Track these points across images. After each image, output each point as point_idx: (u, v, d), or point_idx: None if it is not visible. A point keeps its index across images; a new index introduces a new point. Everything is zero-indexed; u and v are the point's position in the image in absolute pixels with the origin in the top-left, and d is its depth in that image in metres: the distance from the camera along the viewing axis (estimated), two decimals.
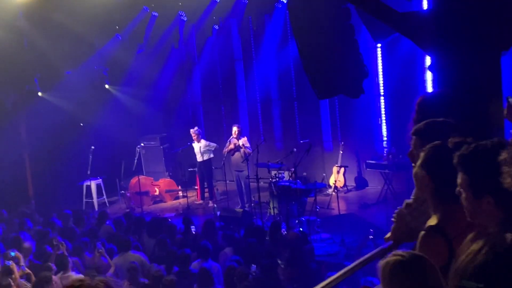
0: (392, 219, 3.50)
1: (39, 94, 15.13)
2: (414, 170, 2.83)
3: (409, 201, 3.49)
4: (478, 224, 2.21)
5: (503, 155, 1.69)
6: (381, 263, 2.34)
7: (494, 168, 2.01)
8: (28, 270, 8.47)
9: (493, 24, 3.59)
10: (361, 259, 3.35)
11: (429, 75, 11.92)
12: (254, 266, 8.26)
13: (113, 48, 15.22)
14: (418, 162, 2.76)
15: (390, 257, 2.32)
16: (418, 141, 3.16)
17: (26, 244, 9.64)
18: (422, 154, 2.69)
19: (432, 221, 2.72)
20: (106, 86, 16.08)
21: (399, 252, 2.37)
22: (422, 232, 2.66)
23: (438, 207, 2.68)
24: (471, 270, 1.25)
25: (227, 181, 14.07)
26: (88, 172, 14.51)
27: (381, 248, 3.42)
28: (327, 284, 3.09)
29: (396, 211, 3.51)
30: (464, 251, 1.33)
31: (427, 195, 2.75)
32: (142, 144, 15.09)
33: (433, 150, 2.65)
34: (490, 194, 2.06)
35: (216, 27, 15.90)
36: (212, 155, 13.98)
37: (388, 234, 3.55)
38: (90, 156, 14.42)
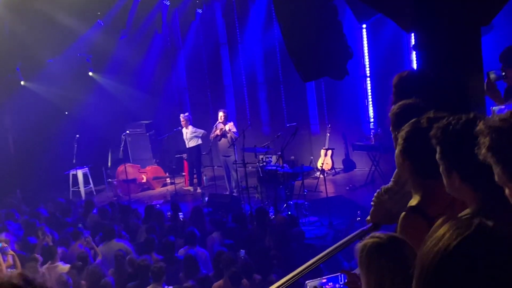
0: (371, 203, 3.47)
1: (22, 83, 14.94)
2: (396, 151, 2.79)
3: (389, 185, 3.45)
4: (460, 201, 2.16)
5: (480, 126, 1.64)
6: (359, 245, 2.30)
7: (465, 143, 1.97)
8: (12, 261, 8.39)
9: (472, 0, 3.54)
10: (341, 241, 3.32)
11: (414, 55, 11.86)
12: (242, 251, 8.25)
13: (96, 34, 15.01)
14: (398, 142, 2.72)
15: (368, 239, 2.29)
16: (394, 124, 3.12)
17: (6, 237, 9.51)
18: (400, 134, 2.65)
19: (413, 201, 2.69)
20: (90, 73, 15.90)
21: (377, 234, 2.33)
22: (403, 213, 2.62)
23: (418, 186, 2.64)
24: (433, 255, 1.20)
25: (215, 167, 14.02)
26: (74, 161, 14.38)
27: (361, 230, 3.39)
28: (308, 267, 3.06)
29: (375, 194, 3.47)
30: (430, 236, 1.27)
31: (407, 175, 2.71)
32: (127, 132, 14.96)
33: (408, 128, 2.60)
34: (457, 169, 2.02)
35: (200, 11, 15.73)
36: (200, 141, 13.90)
37: (369, 217, 3.51)
38: (75, 145, 14.29)
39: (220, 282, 7.25)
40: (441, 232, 1.25)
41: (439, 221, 1.32)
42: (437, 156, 2.06)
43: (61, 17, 13.44)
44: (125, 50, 15.66)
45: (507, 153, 1.63)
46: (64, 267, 8.28)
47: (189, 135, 13.74)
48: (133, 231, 10.00)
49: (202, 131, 13.83)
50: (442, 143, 2.04)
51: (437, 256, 1.21)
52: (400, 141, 2.63)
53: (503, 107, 3.70)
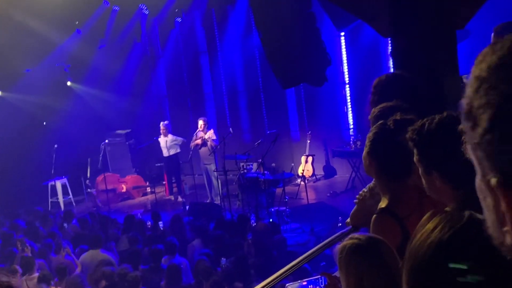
0: (354, 201, 3.47)
1: None
2: (363, 153, 2.80)
3: (372, 184, 3.45)
4: (438, 201, 2.17)
5: (461, 125, 1.65)
6: (338, 247, 2.30)
7: (441, 142, 1.98)
8: None
9: (447, 3, 3.58)
10: (321, 244, 3.31)
11: (392, 62, 11.98)
12: (224, 259, 8.21)
13: (74, 44, 14.92)
14: (365, 144, 2.73)
15: (347, 241, 2.28)
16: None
17: None
18: (367, 135, 2.67)
19: (382, 203, 2.69)
20: (68, 83, 15.78)
21: (356, 235, 2.33)
22: (374, 216, 2.62)
23: (385, 187, 2.66)
24: (426, 248, 1.20)
25: (196, 175, 13.96)
26: (52, 172, 14.21)
27: (341, 233, 3.39)
28: (287, 270, 3.05)
29: (358, 194, 3.47)
30: (420, 230, 1.27)
31: (374, 176, 2.72)
32: (107, 141, 14.84)
33: (375, 131, 2.62)
34: (437, 169, 2.02)
35: (179, 19, 15.73)
36: (179, 150, 13.83)
37: (349, 219, 3.52)
38: (54, 155, 14.14)
39: None
40: (432, 225, 1.24)
41: (427, 215, 1.32)
42: (415, 158, 2.07)
43: (39, 26, 13.34)
44: (104, 59, 15.57)
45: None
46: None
47: (169, 143, 13.66)
48: (113, 241, 9.89)
49: (181, 138, 13.76)
50: (418, 144, 2.05)
51: (430, 248, 1.21)
52: (367, 142, 2.64)
53: None
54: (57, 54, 14.94)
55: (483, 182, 1.01)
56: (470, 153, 1.01)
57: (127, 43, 15.96)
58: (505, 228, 0.99)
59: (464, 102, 0.98)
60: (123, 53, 16.06)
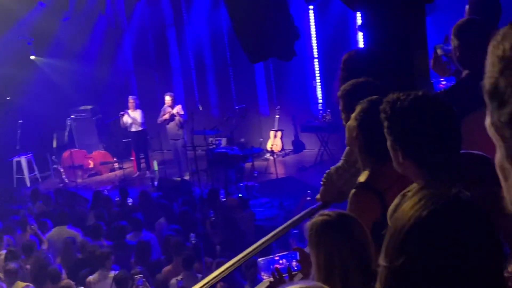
0: (321, 182, 3.47)
1: None
2: (348, 123, 2.79)
3: (339, 164, 3.45)
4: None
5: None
6: (308, 223, 2.29)
7: (411, 119, 2.00)
8: None
9: None
10: (291, 220, 3.31)
11: (361, 36, 11.98)
12: (193, 234, 8.22)
13: (37, 16, 14.48)
14: (353, 114, 2.71)
15: (317, 217, 2.27)
16: (344, 103, 3.11)
17: None
18: (357, 107, 2.65)
19: (362, 177, 2.70)
20: (32, 57, 15.35)
21: (326, 212, 2.32)
22: (353, 190, 2.62)
23: (367, 162, 2.66)
24: (409, 225, 1.19)
25: (164, 151, 13.86)
26: (17, 147, 13.93)
27: (310, 209, 3.39)
28: (258, 246, 3.04)
29: (325, 173, 3.47)
30: (404, 203, 1.26)
31: (356, 149, 2.71)
32: (72, 116, 14.57)
33: (367, 104, 2.61)
34: (402, 145, 2.04)
35: None
36: (145, 126, 13.67)
37: (319, 195, 3.52)
38: (18, 131, 13.84)
39: (170, 266, 7.22)
40: (418, 198, 1.24)
41: (413, 189, 1.32)
42: (385, 130, 2.07)
43: None
44: (69, 33, 15.16)
45: None
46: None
47: (139, 119, 13.47)
48: (81, 217, 9.79)
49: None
50: (389, 118, 2.05)
51: (415, 220, 1.20)
52: (357, 114, 2.62)
53: (442, 79, 3.76)
54: (20, 27, 14.48)
55: (508, 162, 1.01)
56: (493, 133, 1.01)
57: (92, 16, 15.54)
58: None
59: (487, 81, 0.99)
60: (88, 26, 15.65)
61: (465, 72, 3.26)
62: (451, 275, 1.16)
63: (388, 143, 2.09)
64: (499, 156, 1.05)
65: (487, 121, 1.02)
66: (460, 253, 1.16)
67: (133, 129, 13.59)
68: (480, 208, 1.22)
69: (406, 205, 1.25)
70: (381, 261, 1.25)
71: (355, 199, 2.58)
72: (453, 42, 3.28)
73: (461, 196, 1.23)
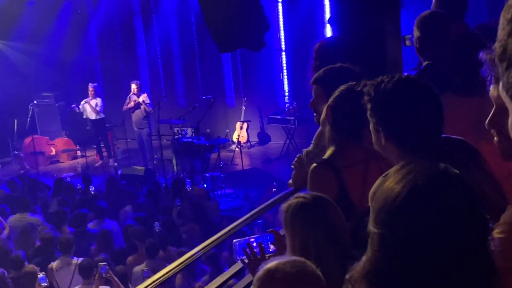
0: (292, 166, 3.49)
1: None
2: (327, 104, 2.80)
3: (309, 148, 3.47)
4: (385, 165, 2.20)
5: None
6: (283, 206, 2.30)
7: (393, 102, 2.04)
8: None
9: None
10: (265, 204, 3.32)
11: (329, 30, 12.06)
12: (157, 223, 8.17)
13: (1, 1, 14.10)
14: (331, 97, 2.74)
15: (292, 200, 2.29)
16: (318, 90, 3.13)
17: None
18: (337, 89, 2.68)
19: (325, 155, 2.72)
20: None
21: (301, 194, 2.34)
22: (313, 165, 2.64)
23: (332, 140, 2.69)
24: (404, 194, 1.22)
25: (128, 140, 13.70)
26: None
27: (284, 193, 3.41)
28: (230, 230, 3.04)
29: (296, 158, 3.49)
30: (386, 181, 1.29)
31: (326, 128, 2.74)
32: (35, 102, 14.26)
33: (343, 88, 2.65)
34: (385, 127, 2.07)
35: None
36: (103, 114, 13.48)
37: (290, 181, 3.54)
38: None
39: (135, 255, 7.17)
40: (407, 171, 1.27)
41: (401, 164, 1.34)
42: (368, 113, 2.10)
43: None
44: (33, 17, 14.82)
45: None
46: None
47: (99, 107, 13.26)
48: (42, 204, 9.61)
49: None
50: (372, 100, 2.08)
51: (409, 189, 1.23)
52: (334, 95, 2.66)
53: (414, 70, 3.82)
54: None
55: None
56: (504, 95, 1.04)
57: (57, 1, 15.24)
58: None
59: (497, 45, 1.01)
60: (53, 11, 15.31)
61: (425, 63, 3.33)
62: (441, 245, 1.20)
63: (371, 126, 2.12)
64: (511, 120, 1.08)
65: (500, 86, 1.06)
66: (449, 224, 1.20)
67: (92, 117, 13.37)
68: (468, 183, 1.26)
69: (393, 178, 1.27)
70: (372, 228, 1.27)
71: (312, 174, 2.61)
72: (415, 34, 3.35)
73: (451, 171, 1.27)
